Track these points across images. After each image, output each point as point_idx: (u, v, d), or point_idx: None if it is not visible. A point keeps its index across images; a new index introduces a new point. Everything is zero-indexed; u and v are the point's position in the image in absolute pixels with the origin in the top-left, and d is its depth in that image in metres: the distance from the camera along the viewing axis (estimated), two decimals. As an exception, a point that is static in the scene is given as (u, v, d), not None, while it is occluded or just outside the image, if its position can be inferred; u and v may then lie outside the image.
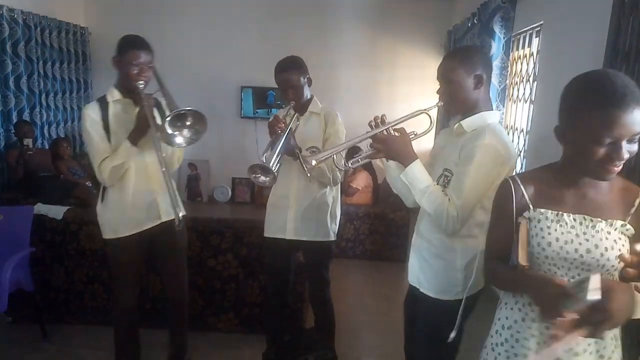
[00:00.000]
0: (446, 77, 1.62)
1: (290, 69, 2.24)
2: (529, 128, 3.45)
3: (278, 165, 2.01)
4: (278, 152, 2.01)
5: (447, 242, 1.65)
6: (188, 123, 2.03)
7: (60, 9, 5.60)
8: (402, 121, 1.69)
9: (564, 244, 1.19)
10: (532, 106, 3.42)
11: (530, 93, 3.47)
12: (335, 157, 1.81)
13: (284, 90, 2.27)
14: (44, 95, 5.28)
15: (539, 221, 1.23)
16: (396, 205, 4.75)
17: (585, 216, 1.20)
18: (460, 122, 1.64)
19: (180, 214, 2.10)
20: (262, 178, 2.02)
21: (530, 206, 1.25)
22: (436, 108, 1.75)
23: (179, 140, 2.04)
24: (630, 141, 1.09)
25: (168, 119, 1.97)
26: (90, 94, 6.19)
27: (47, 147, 5.23)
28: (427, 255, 1.73)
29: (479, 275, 1.68)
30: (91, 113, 2.13)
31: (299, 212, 2.33)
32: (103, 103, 2.17)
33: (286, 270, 2.51)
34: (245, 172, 2.05)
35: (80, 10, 6.14)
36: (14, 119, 4.73)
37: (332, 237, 2.42)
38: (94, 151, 2.14)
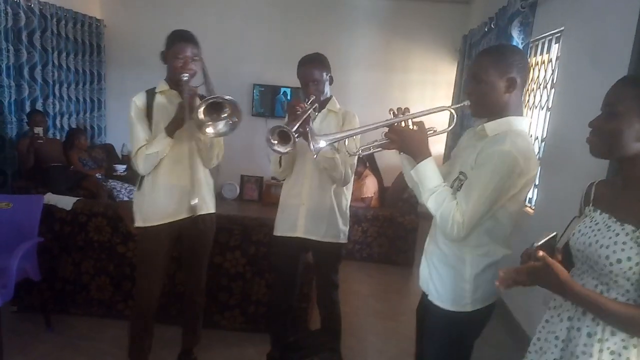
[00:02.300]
0: (477, 76, 1.54)
1: (314, 63, 2.23)
2: (544, 135, 3.39)
3: (296, 141, 1.94)
4: (298, 128, 1.92)
5: (457, 251, 1.59)
6: (224, 115, 2.02)
7: (77, 1, 5.62)
8: (424, 114, 1.61)
9: (581, 235, 1.25)
10: (548, 113, 3.36)
11: (547, 100, 3.42)
12: (347, 142, 1.80)
13: (305, 84, 2.24)
14: (57, 86, 5.30)
15: (585, 216, 1.31)
16: (405, 209, 4.72)
17: (610, 215, 1.21)
18: (484, 124, 1.57)
19: (204, 212, 2.30)
20: (279, 147, 1.92)
21: (590, 203, 1.32)
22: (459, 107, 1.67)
23: (210, 130, 2.03)
24: (605, 115, 1.19)
25: (203, 105, 1.96)
26: (104, 87, 6.21)
27: (59, 137, 5.26)
28: (437, 263, 1.66)
29: (490, 287, 1.60)
30: (137, 101, 2.20)
31: (311, 210, 2.30)
32: (150, 93, 2.23)
33: (294, 271, 2.47)
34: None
35: (96, 2, 6.17)
36: (27, 109, 4.75)
37: (342, 239, 2.38)
38: (133, 138, 2.20)
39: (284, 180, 2.42)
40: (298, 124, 1.91)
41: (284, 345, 2.54)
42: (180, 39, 2.13)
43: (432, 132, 1.64)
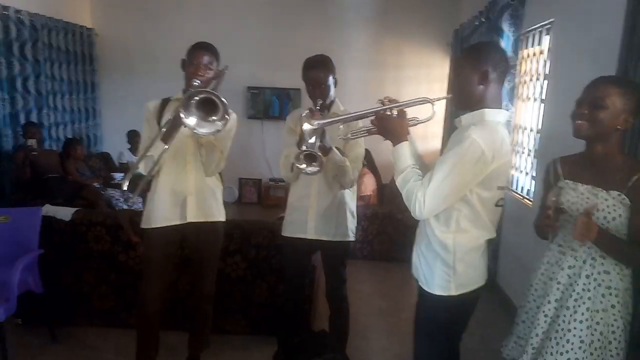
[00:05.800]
0: (455, 70, 1.70)
1: (321, 67, 2.22)
2: (539, 127, 3.40)
3: (323, 159, 2.03)
4: (316, 142, 1.97)
5: (440, 237, 1.67)
6: (212, 118, 1.87)
7: (67, 11, 5.62)
8: (406, 105, 1.76)
9: (572, 205, 1.63)
10: (542, 105, 3.37)
11: (541, 92, 3.43)
12: (341, 127, 1.93)
13: (312, 88, 2.23)
14: (51, 97, 5.30)
15: (563, 188, 1.67)
16: (403, 206, 4.66)
17: (594, 186, 1.59)
18: (461, 116, 1.68)
19: (215, 219, 2.35)
20: (310, 168, 2.01)
21: (561, 177, 1.72)
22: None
23: (191, 121, 1.85)
24: (595, 107, 1.52)
25: (200, 95, 1.83)
26: (98, 95, 6.20)
27: (55, 148, 5.25)
28: (424, 249, 1.76)
29: (476, 272, 1.70)
30: (149, 105, 2.28)
31: (320, 211, 2.31)
32: (165, 99, 2.28)
33: (304, 271, 2.50)
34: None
35: (87, 11, 6.16)
36: (22, 121, 4.74)
37: (352, 237, 2.40)
38: (142, 140, 2.31)
39: (290, 183, 2.42)
40: (319, 140, 1.97)
41: (289, 347, 2.56)
42: (199, 47, 2.18)
43: (414, 121, 1.78)
